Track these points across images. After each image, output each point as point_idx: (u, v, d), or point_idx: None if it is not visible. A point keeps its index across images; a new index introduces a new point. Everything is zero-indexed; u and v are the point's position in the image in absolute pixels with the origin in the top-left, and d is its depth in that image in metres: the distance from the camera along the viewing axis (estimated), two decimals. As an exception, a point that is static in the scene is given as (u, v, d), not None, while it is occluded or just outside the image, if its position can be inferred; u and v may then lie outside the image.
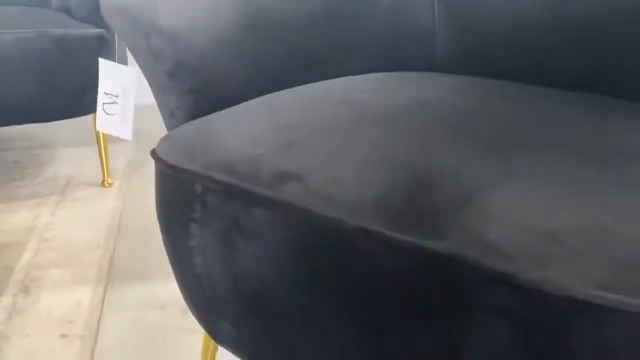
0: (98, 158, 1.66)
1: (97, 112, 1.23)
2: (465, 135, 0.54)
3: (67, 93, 1.48)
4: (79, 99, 1.49)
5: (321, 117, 0.61)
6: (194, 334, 0.92)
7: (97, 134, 1.62)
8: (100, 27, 1.47)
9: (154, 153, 0.67)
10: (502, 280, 0.39)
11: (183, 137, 0.66)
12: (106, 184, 1.65)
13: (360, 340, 0.49)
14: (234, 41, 0.74)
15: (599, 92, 0.73)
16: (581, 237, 0.40)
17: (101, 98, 1.22)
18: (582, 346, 0.39)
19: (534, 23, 0.81)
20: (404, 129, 0.55)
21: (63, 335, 1.05)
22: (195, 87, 0.73)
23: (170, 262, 0.69)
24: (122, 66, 1.24)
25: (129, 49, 0.77)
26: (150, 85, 0.77)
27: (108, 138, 1.63)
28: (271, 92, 0.74)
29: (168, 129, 0.77)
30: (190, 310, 0.70)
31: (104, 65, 1.23)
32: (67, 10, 1.68)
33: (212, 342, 0.83)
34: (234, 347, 0.66)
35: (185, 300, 0.70)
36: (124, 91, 1.21)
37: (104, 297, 1.16)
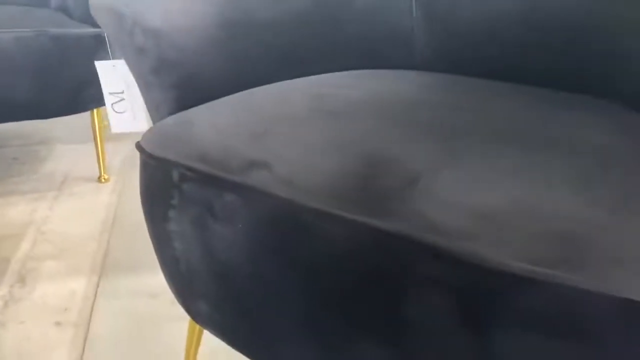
0: (95, 155, 1.69)
1: (108, 115, 1.22)
2: (419, 126, 0.58)
3: (65, 91, 1.50)
4: (76, 96, 1.52)
5: (291, 110, 0.64)
6: (183, 321, 0.95)
7: (94, 131, 1.64)
8: (97, 27, 1.48)
9: (138, 145, 0.70)
10: (438, 255, 0.43)
11: (164, 129, 0.69)
12: (102, 180, 1.68)
13: (322, 311, 0.53)
14: (215, 39, 0.78)
15: (574, 90, 0.76)
16: (511, 215, 0.44)
17: (108, 100, 1.21)
18: (509, 315, 0.42)
19: (510, 25, 0.84)
20: (364, 120, 0.59)
21: (57, 323, 1.09)
22: (178, 83, 0.76)
23: (154, 248, 0.73)
24: (119, 61, 1.22)
25: (117, 46, 0.80)
26: (137, 81, 0.81)
27: (105, 135, 1.66)
28: (251, 88, 0.78)
29: (153, 123, 0.81)
30: (172, 292, 0.73)
31: (101, 67, 1.22)
32: (65, 11, 1.70)
33: (197, 326, 0.87)
34: (212, 327, 0.70)
35: (168, 283, 0.73)
36: (127, 85, 1.20)
37: (98, 287, 1.19)
